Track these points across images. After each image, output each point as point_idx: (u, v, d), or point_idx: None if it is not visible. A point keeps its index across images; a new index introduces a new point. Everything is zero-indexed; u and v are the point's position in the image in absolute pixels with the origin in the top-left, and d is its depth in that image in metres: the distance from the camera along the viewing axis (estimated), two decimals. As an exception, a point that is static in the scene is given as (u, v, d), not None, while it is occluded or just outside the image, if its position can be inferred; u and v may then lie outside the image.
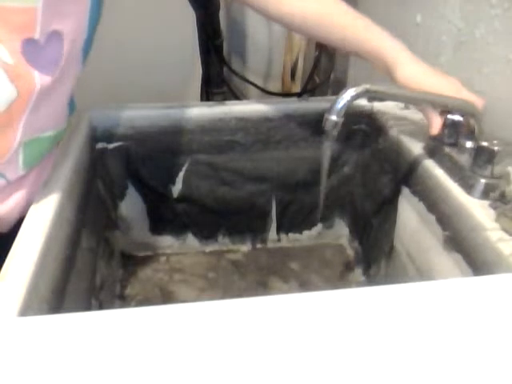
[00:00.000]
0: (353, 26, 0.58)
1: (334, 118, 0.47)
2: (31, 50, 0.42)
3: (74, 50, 0.47)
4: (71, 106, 0.53)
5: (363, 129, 0.76)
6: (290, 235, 0.86)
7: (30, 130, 0.46)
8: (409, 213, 0.62)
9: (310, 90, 1.14)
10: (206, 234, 0.84)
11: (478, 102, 0.53)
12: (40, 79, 0.43)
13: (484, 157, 0.50)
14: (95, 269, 0.64)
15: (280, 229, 0.85)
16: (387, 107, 0.72)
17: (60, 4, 0.42)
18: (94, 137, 0.71)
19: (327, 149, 0.53)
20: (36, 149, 0.49)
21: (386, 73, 0.56)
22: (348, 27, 0.58)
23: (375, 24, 0.58)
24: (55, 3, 0.42)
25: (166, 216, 0.82)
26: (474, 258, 0.47)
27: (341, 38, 0.58)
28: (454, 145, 0.55)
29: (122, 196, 0.78)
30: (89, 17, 0.47)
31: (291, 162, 0.79)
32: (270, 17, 0.60)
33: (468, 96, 0.54)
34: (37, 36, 0.42)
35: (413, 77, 0.54)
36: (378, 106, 0.73)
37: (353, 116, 0.74)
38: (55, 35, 0.43)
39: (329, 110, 0.48)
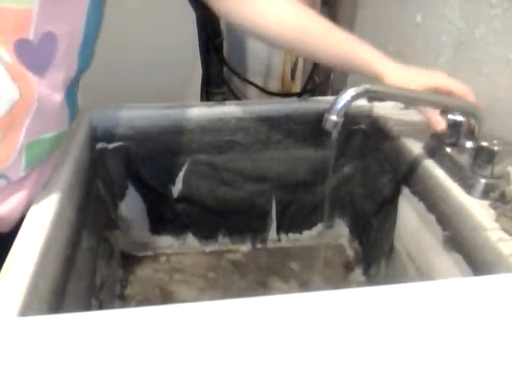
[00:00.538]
0: (338, 39, 0.58)
1: (334, 117, 0.47)
2: (24, 50, 0.42)
3: (68, 53, 0.47)
4: (73, 107, 0.53)
5: (363, 129, 0.76)
6: (290, 235, 0.86)
7: (32, 133, 0.46)
8: (409, 213, 0.62)
9: (309, 90, 1.14)
10: (206, 233, 0.84)
11: (468, 90, 0.55)
12: (34, 80, 0.43)
13: (484, 157, 0.50)
14: (95, 269, 0.64)
15: (280, 229, 0.85)
16: (387, 107, 0.72)
17: (56, 7, 0.42)
18: (94, 137, 0.71)
19: (331, 149, 0.54)
20: (38, 150, 0.49)
21: (374, 79, 0.57)
22: (334, 40, 0.58)
23: (354, 35, 0.59)
24: (51, 5, 0.42)
25: (166, 216, 0.82)
26: (473, 258, 0.47)
27: (328, 50, 0.59)
28: (454, 145, 0.55)
29: (122, 196, 0.78)
30: (86, 21, 0.47)
31: (291, 162, 0.79)
32: (250, 33, 0.60)
33: (457, 86, 0.55)
34: (30, 37, 0.42)
35: (401, 82, 0.55)
36: (378, 105, 0.73)
37: (353, 116, 0.74)
38: (49, 37, 0.43)
39: (329, 110, 0.48)
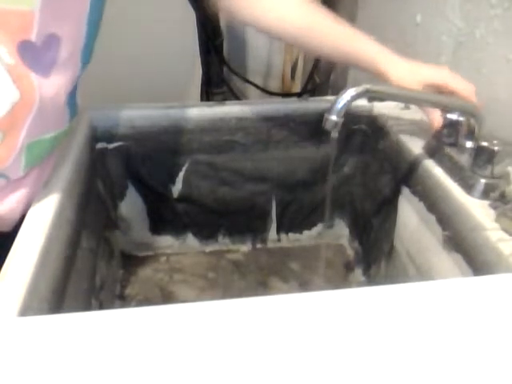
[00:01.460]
0: (344, 35, 0.58)
1: (334, 117, 0.47)
2: (27, 51, 0.42)
3: (72, 54, 0.47)
4: (73, 107, 0.53)
5: (363, 129, 0.76)
6: (290, 235, 0.86)
7: (33, 133, 0.46)
8: (409, 213, 0.62)
9: (310, 89, 1.14)
10: (206, 234, 0.84)
11: (471, 90, 0.54)
12: (37, 81, 0.44)
13: (484, 157, 0.50)
14: (95, 269, 0.64)
15: (280, 229, 0.85)
16: (387, 107, 0.72)
17: (58, 8, 0.43)
18: (94, 137, 0.71)
19: (332, 149, 0.54)
20: (38, 150, 0.49)
21: (378, 76, 0.57)
22: (339, 37, 0.58)
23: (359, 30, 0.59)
24: (53, 7, 0.42)
25: (165, 216, 0.82)
26: (473, 258, 0.47)
27: (332, 47, 0.58)
28: (454, 145, 0.55)
29: (121, 196, 0.78)
30: (88, 22, 0.47)
31: (291, 162, 0.79)
32: (253, 27, 0.59)
33: (463, 83, 0.55)
34: (33, 38, 0.42)
35: (406, 75, 0.55)
36: (378, 106, 0.73)
37: (353, 116, 0.74)
38: (53, 38, 0.44)
39: (329, 110, 0.48)
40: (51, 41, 0.44)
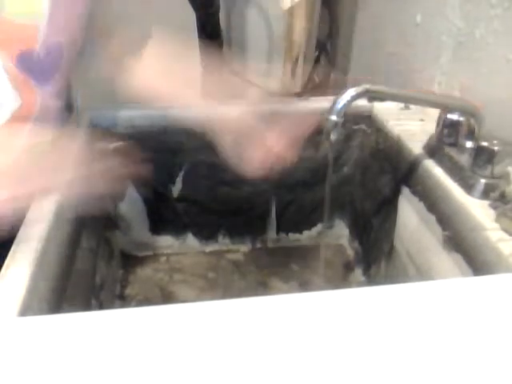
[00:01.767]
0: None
1: (334, 118, 0.47)
2: (28, 61, 0.43)
3: (69, 61, 0.47)
4: (69, 109, 0.53)
5: (363, 129, 0.76)
6: (290, 235, 0.86)
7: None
8: (409, 213, 0.62)
9: (310, 89, 1.14)
10: (206, 234, 0.84)
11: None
12: (38, 89, 0.44)
13: (484, 157, 0.50)
14: (95, 269, 0.64)
15: (280, 229, 0.85)
16: (387, 107, 0.72)
17: (62, 19, 0.43)
18: (94, 137, 0.71)
19: (330, 149, 0.54)
20: None
21: None
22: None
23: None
24: (58, 22, 0.42)
25: (165, 216, 0.82)
26: (473, 258, 0.47)
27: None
28: (454, 145, 0.55)
29: (121, 196, 0.78)
30: (82, 27, 0.47)
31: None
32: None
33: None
34: (36, 49, 0.42)
35: None
36: (378, 106, 0.73)
37: (353, 116, 0.74)
38: (55, 50, 0.44)
39: (329, 110, 0.48)
40: (54, 52, 0.44)
